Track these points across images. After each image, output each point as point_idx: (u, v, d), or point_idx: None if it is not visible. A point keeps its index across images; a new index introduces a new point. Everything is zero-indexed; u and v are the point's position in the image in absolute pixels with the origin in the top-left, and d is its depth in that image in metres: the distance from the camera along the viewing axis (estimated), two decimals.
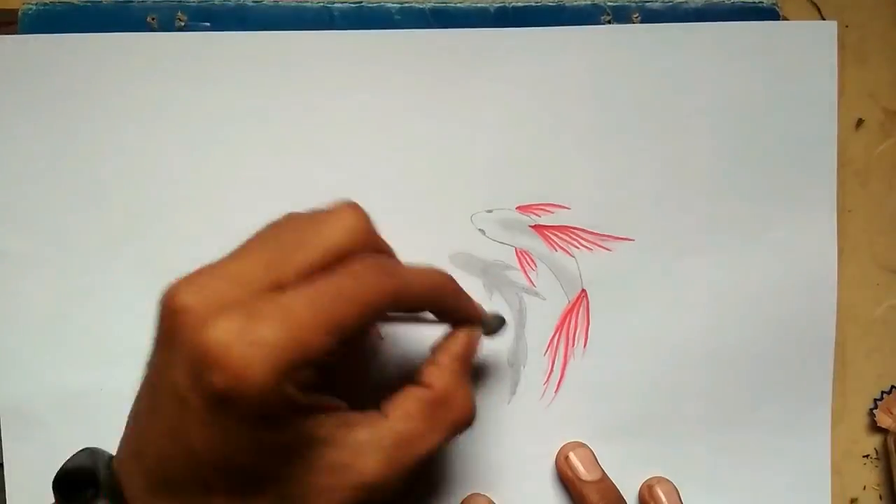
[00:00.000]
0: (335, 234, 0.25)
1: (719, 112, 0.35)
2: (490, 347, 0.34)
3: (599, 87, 0.35)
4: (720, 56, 0.34)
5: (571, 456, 0.34)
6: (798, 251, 0.35)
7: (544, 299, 0.35)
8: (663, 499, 0.34)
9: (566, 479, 0.34)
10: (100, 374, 0.34)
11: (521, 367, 0.35)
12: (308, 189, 0.34)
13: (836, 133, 0.35)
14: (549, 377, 0.35)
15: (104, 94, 0.34)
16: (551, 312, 0.35)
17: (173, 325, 0.23)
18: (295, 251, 0.24)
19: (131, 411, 0.26)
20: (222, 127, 0.34)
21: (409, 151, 0.35)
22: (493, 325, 0.31)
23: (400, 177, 0.35)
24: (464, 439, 0.34)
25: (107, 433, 0.34)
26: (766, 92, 0.35)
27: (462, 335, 0.29)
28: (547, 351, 0.35)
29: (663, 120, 0.35)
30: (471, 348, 0.29)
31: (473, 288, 0.34)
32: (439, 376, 0.27)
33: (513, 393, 0.35)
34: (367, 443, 0.25)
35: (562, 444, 0.35)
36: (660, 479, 0.35)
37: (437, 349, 0.29)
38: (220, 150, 0.34)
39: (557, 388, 0.35)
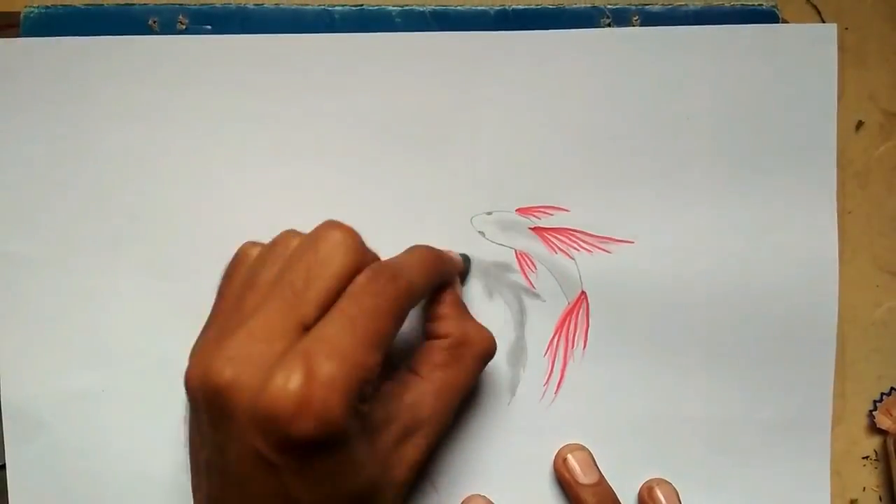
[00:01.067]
0: (337, 259, 0.26)
1: (719, 114, 0.35)
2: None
3: (599, 90, 0.35)
4: (720, 59, 0.34)
5: (569, 458, 0.34)
6: (798, 253, 0.35)
7: (544, 301, 0.35)
8: (663, 500, 0.34)
9: (563, 482, 0.34)
10: (101, 375, 0.34)
11: (521, 369, 0.35)
12: (308, 191, 0.35)
13: (835, 135, 0.35)
14: (548, 379, 0.35)
15: (106, 97, 0.34)
16: (551, 314, 0.35)
17: (226, 402, 0.23)
18: (307, 289, 0.25)
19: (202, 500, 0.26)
20: (223, 129, 0.34)
21: (408, 154, 0.35)
22: (466, 266, 0.34)
23: (400, 179, 0.35)
24: (464, 439, 0.34)
25: (108, 434, 0.34)
26: (766, 94, 0.35)
27: (449, 286, 0.32)
28: (546, 352, 0.35)
29: (663, 122, 0.35)
30: (460, 292, 0.33)
31: (473, 290, 0.35)
32: (450, 324, 0.31)
33: (512, 394, 0.35)
34: (417, 403, 0.29)
35: (561, 446, 0.35)
36: (659, 481, 0.35)
37: (434, 305, 0.31)
38: (222, 153, 0.35)
39: (557, 390, 0.35)
